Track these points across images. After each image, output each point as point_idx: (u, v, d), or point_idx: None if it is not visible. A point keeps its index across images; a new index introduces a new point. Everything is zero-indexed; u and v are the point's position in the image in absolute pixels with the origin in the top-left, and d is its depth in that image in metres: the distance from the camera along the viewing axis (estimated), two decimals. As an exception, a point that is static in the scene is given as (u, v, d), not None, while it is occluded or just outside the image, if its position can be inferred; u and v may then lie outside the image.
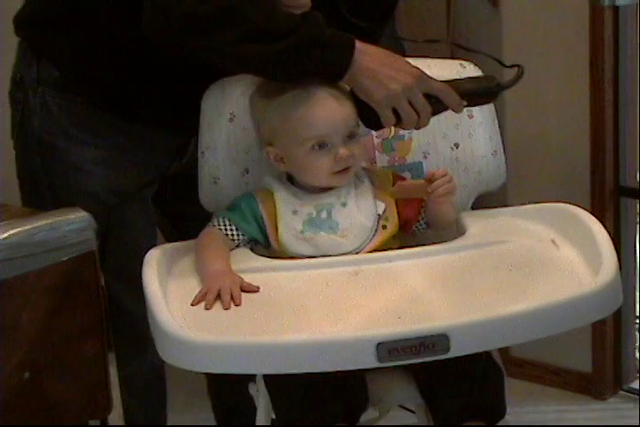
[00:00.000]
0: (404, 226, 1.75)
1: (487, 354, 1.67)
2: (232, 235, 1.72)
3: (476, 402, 1.64)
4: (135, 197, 1.99)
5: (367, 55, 1.67)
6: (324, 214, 1.70)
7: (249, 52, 1.66)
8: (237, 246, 1.73)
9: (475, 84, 1.73)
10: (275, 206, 1.72)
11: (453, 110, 1.71)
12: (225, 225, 1.72)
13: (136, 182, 1.98)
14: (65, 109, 1.92)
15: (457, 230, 1.75)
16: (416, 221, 1.76)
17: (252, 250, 1.73)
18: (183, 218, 2.10)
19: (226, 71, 1.80)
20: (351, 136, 1.69)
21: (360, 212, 1.71)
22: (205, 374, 2.26)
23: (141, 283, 1.60)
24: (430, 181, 1.68)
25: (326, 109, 1.67)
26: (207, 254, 1.67)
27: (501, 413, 1.68)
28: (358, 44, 1.67)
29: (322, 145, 1.68)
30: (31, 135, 1.95)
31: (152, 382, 2.19)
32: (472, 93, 1.71)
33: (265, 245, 1.73)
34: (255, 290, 1.57)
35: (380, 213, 1.71)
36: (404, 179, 1.80)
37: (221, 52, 1.68)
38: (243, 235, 1.72)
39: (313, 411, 1.63)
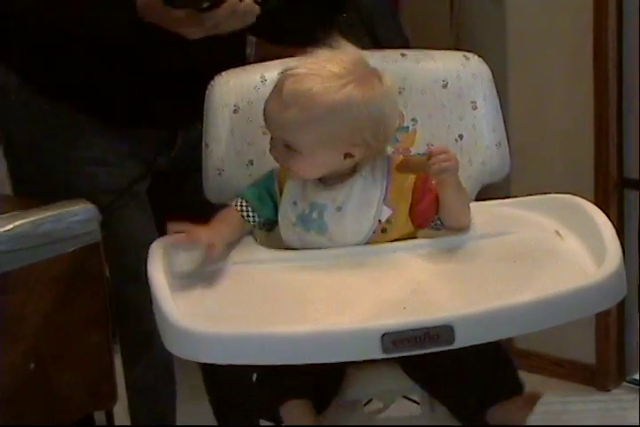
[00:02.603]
0: (420, 222, 1.69)
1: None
2: (248, 215, 1.71)
3: (483, 385, 1.64)
4: (128, 194, 1.98)
5: None
6: (314, 214, 1.67)
7: None
8: (255, 226, 1.72)
9: None
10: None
11: None
12: (242, 205, 1.71)
13: (125, 178, 1.97)
14: (47, 113, 1.92)
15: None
16: (433, 218, 1.67)
17: (256, 240, 1.72)
18: (177, 213, 2.10)
19: (202, 65, 1.80)
20: (287, 146, 1.64)
21: (355, 219, 1.65)
22: (201, 368, 2.25)
23: (146, 275, 1.59)
24: (429, 158, 1.61)
25: (273, 108, 1.64)
26: (212, 224, 1.67)
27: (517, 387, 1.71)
28: None
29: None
30: (18, 140, 1.96)
31: (161, 382, 2.16)
32: None
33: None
34: (213, 254, 1.59)
35: (383, 219, 1.66)
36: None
37: None
38: (259, 216, 1.71)
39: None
